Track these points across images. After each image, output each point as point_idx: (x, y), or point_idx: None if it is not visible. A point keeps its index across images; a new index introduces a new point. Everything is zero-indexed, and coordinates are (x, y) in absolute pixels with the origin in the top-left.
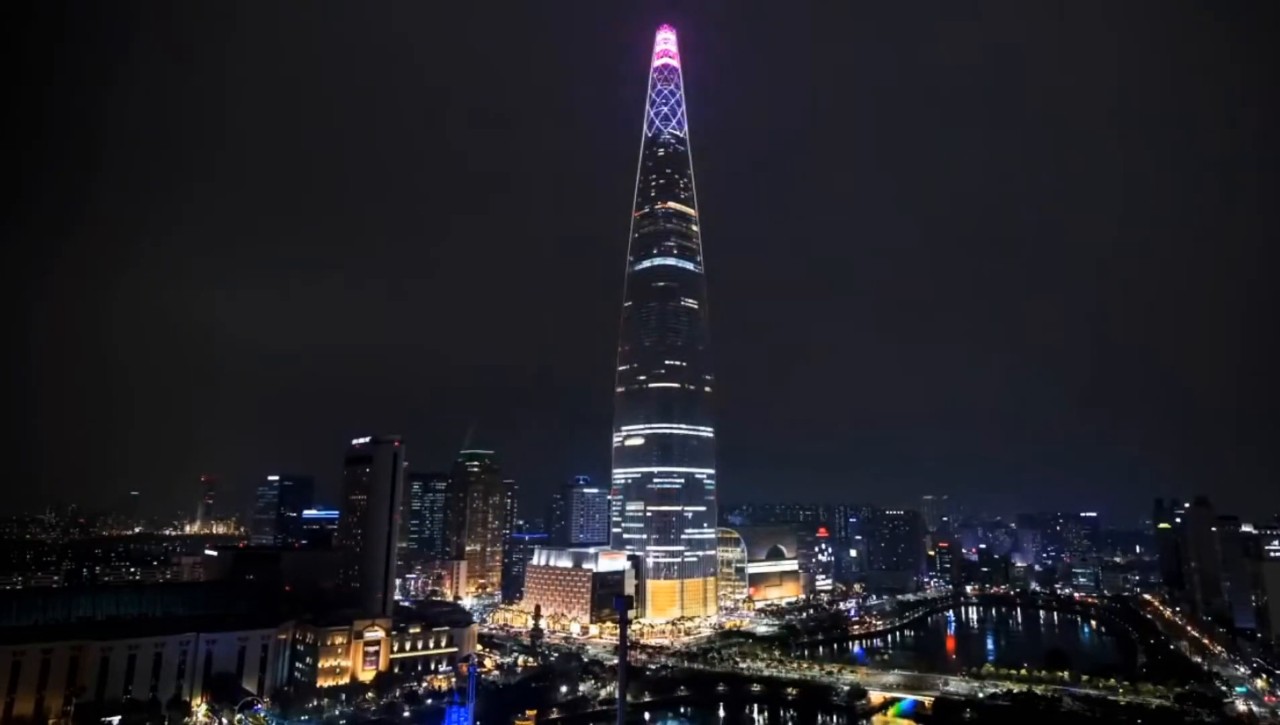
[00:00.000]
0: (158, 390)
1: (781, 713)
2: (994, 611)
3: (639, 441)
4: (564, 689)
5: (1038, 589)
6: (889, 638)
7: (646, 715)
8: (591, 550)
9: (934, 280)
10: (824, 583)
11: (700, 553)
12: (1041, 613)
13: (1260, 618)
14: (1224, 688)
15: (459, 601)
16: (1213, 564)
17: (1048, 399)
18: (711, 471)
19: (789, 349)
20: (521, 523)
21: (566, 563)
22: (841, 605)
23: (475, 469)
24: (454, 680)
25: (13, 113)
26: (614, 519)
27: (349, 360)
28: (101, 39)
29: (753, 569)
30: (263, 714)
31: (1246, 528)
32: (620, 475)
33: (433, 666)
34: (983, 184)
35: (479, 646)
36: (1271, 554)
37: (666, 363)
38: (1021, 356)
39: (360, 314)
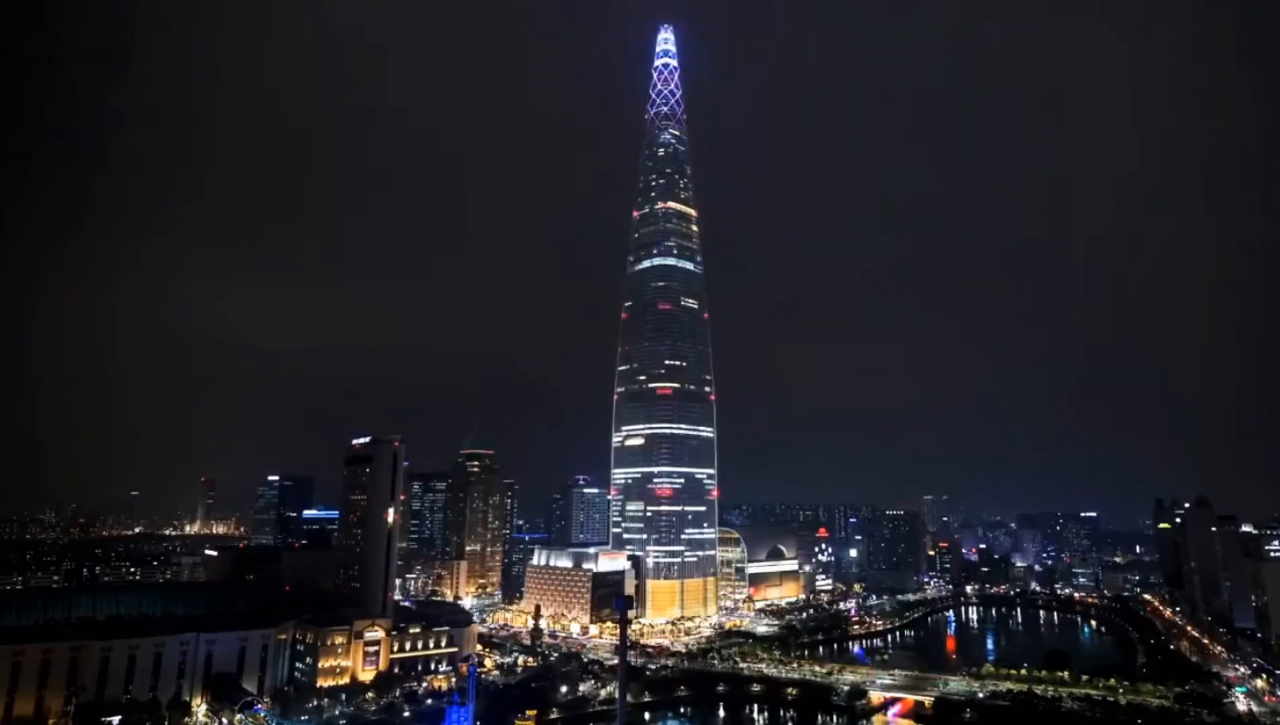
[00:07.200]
0: (158, 390)
1: (781, 713)
2: (994, 611)
3: (639, 441)
4: (564, 689)
5: (1038, 589)
6: (889, 638)
7: (646, 715)
8: (591, 550)
9: (933, 279)
10: (824, 583)
11: (700, 553)
12: (1041, 613)
13: (1260, 618)
14: (1224, 688)
15: (459, 601)
16: (1213, 564)
17: (1048, 399)
18: (711, 471)
19: (789, 348)
20: (521, 523)
21: (566, 563)
22: (841, 605)
23: (475, 469)
24: (454, 680)
25: (13, 113)
26: (614, 519)
27: (349, 360)
28: (101, 40)
29: (753, 569)
30: (263, 714)
31: (1246, 528)
32: (620, 475)
33: (433, 666)
34: (982, 182)
35: (479, 646)
36: (1271, 554)
37: (666, 363)
38: (1022, 356)
39: (360, 314)
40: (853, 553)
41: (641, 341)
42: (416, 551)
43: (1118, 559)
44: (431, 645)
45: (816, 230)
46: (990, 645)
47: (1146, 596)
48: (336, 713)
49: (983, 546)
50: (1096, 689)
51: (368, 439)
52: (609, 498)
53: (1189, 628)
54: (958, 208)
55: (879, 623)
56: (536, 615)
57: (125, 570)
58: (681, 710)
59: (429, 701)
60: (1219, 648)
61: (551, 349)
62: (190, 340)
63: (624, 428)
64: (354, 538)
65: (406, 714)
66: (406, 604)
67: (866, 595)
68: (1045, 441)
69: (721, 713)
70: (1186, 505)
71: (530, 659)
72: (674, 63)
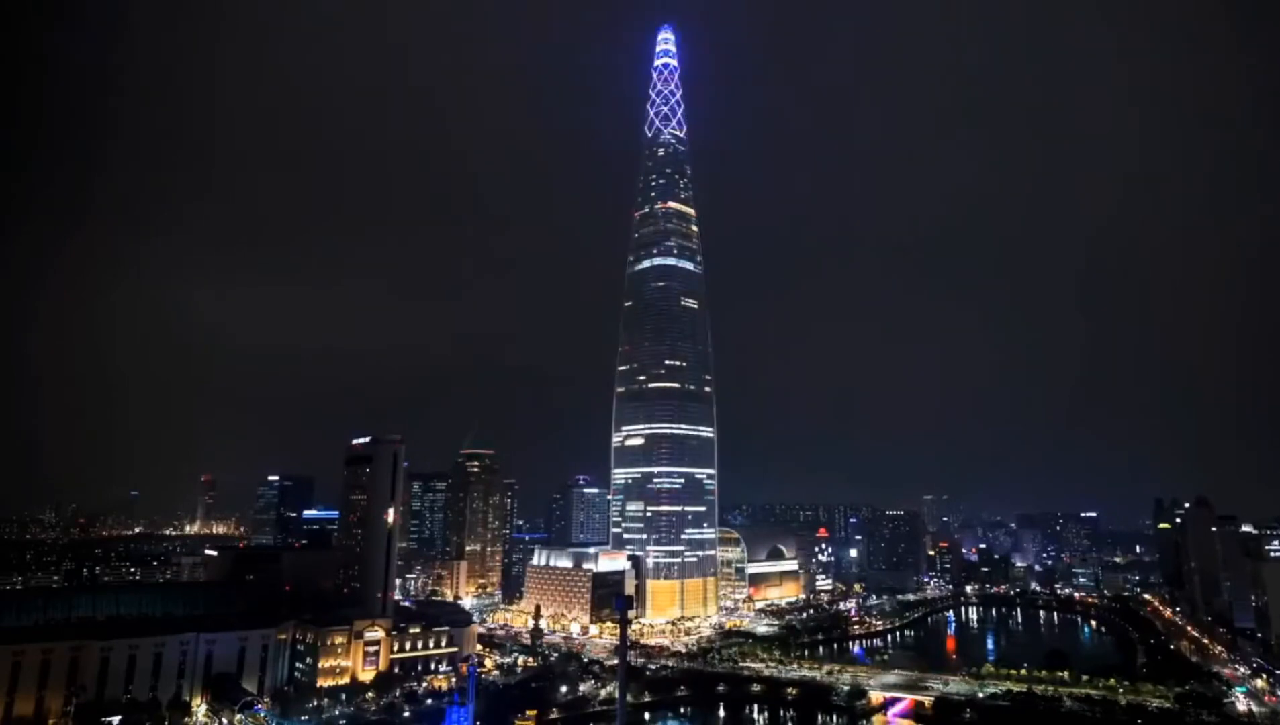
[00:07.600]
0: (157, 390)
1: (781, 713)
2: (994, 611)
3: (639, 441)
4: (564, 689)
5: (1038, 589)
6: (889, 638)
7: (646, 715)
8: (591, 550)
9: (933, 279)
10: (824, 583)
11: (700, 553)
12: (1041, 613)
13: (1260, 618)
14: (1224, 688)
15: (459, 601)
16: (1213, 564)
17: (1048, 399)
18: (711, 471)
19: (790, 349)
20: (521, 523)
21: (566, 563)
22: (841, 605)
23: (475, 469)
24: (454, 680)
25: (13, 113)
26: (614, 519)
27: (349, 360)
28: (100, 40)
29: (753, 569)
30: (263, 714)
31: (1246, 528)
32: (620, 475)
33: (433, 666)
34: (982, 182)
35: (479, 646)
36: (1271, 554)
37: (666, 363)
38: (1022, 356)
39: (360, 314)
40: (853, 553)
41: (641, 341)
42: (416, 551)
43: (1118, 559)
44: (431, 645)
45: (816, 229)
46: (990, 645)
47: (1146, 596)
48: (336, 713)
49: (983, 546)
50: (1096, 689)
51: (368, 439)
52: (609, 498)
53: (1189, 628)
54: (958, 207)
55: (879, 623)
56: (536, 615)
57: (125, 570)
58: (681, 710)
59: (429, 701)
60: (1219, 648)
61: (551, 349)
62: (190, 340)
63: (624, 428)
64: (354, 538)
65: (406, 714)
66: (406, 604)
67: (866, 595)
68: (1045, 441)
69: (721, 713)
70: (1186, 505)
71: (530, 659)
72: (674, 63)
